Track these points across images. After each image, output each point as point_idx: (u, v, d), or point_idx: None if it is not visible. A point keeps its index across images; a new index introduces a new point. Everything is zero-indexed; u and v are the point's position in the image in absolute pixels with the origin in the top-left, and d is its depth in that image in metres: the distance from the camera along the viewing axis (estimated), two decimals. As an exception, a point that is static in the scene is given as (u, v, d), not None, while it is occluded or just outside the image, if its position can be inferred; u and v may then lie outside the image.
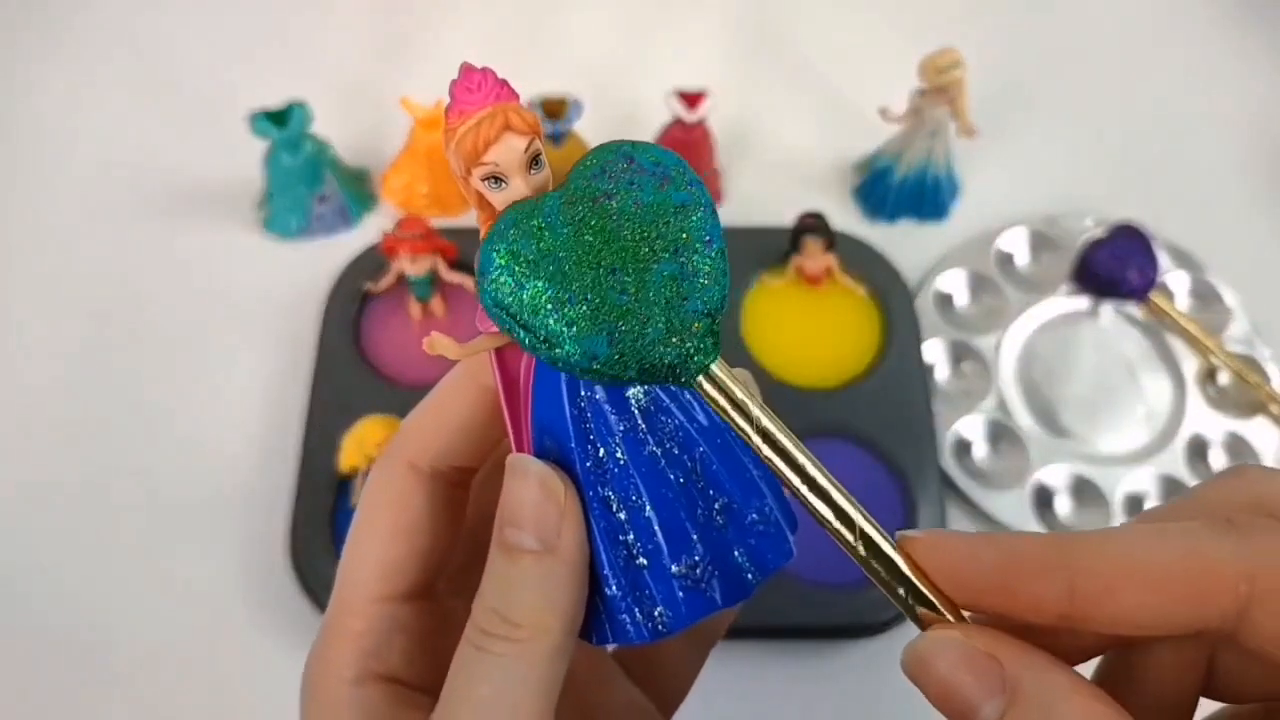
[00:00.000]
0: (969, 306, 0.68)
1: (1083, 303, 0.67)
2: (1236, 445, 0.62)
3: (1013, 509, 0.59)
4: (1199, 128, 0.78)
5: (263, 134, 0.63)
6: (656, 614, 0.26)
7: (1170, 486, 0.60)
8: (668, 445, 0.26)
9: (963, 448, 0.62)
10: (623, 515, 0.25)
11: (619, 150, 0.25)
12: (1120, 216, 0.67)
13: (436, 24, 0.81)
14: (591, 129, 0.68)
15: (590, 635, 0.26)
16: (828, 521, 0.25)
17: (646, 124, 0.69)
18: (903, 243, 0.68)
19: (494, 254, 0.24)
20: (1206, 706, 0.27)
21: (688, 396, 0.26)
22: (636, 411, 0.25)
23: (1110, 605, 0.22)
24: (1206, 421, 0.63)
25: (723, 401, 0.25)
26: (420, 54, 0.79)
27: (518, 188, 0.24)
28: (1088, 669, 0.26)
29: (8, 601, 0.55)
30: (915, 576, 0.24)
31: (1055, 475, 0.60)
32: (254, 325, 0.65)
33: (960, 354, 0.65)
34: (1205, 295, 0.68)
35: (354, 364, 0.61)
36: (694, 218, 0.25)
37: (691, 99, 0.66)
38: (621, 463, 0.25)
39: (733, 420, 0.25)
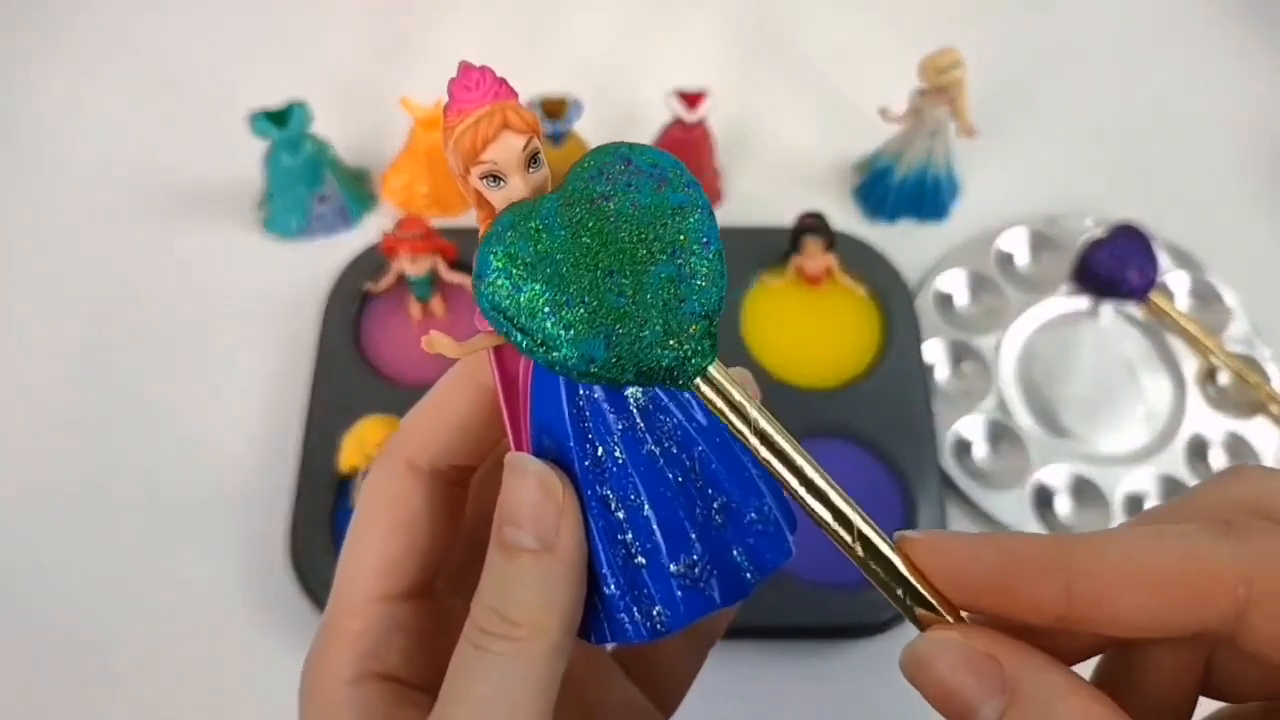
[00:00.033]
0: (969, 306, 0.68)
1: (1083, 303, 0.67)
2: (1236, 445, 0.62)
3: (1013, 509, 0.59)
4: (1199, 128, 0.78)
5: (263, 134, 0.63)
6: (655, 613, 0.26)
7: (1170, 486, 0.60)
8: (666, 444, 0.26)
9: (963, 448, 0.62)
10: (621, 514, 0.25)
11: (616, 152, 0.25)
12: (1120, 216, 0.67)
13: (436, 24, 0.81)
14: (591, 129, 0.68)
15: (589, 634, 0.26)
16: (826, 523, 0.25)
17: (646, 124, 0.69)
18: (903, 243, 0.68)
19: (491, 256, 0.24)
20: (1206, 706, 0.27)
21: (686, 395, 0.26)
22: (635, 410, 0.25)
23: (1108, 607, 0.22)
24: (1206, 421, 0.63)
25: (719, 403, 0.25)
26: (420, 54, 0.79)
27: (516, 186, 0.24)
28: (1086, 668, 0.26)
29: (8, 601, 0.55)
30: (913, 577, 0.24)
31: (1055, 475, 0.60)
32: (254, 325, 0.65)
33: (960, 354, 0.65)
34: (1205, 295, 0.68)
35: (354, 364, 0.61)
36: (691, 219, 0.25)
37: (691, 99, 0.66)
38: (620, 462, 0.25)
39: (730, 422, 0.25)
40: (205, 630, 0.55)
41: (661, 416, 0.26)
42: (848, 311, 0.65)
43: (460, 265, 0.63)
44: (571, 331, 0.24)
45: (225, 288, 0.67)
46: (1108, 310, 0.67)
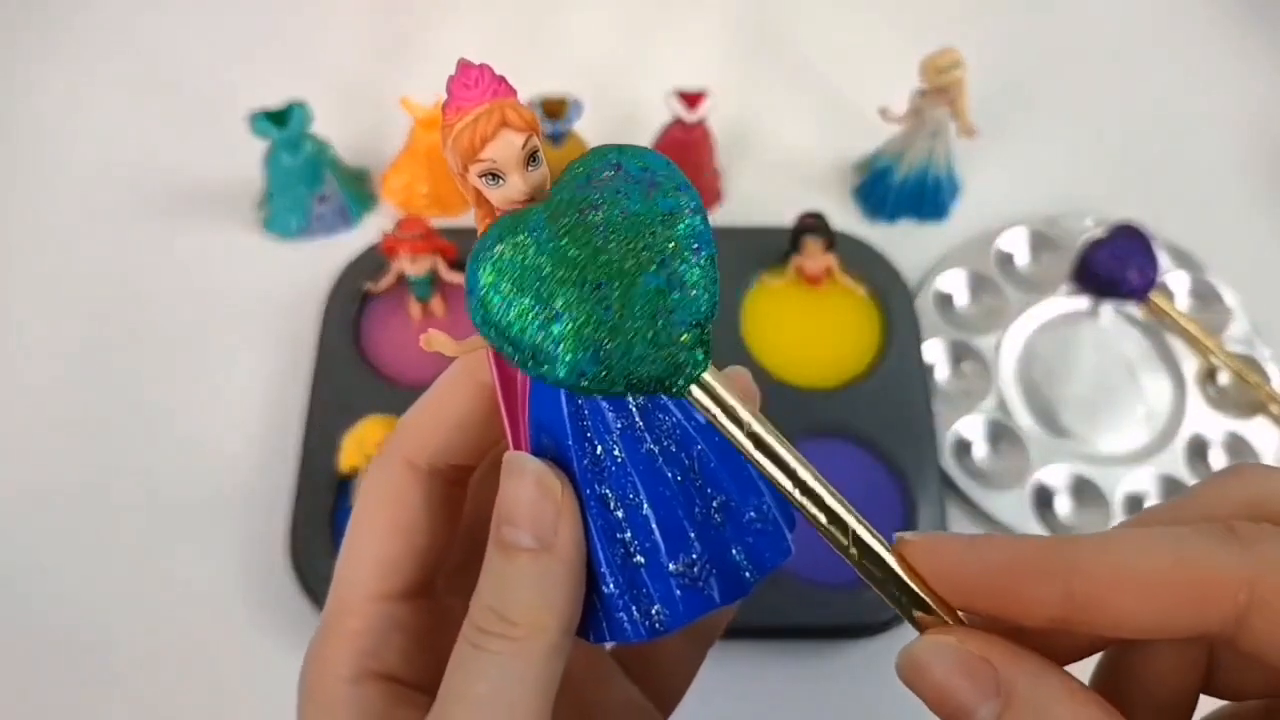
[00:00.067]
0: (969, 306, 0.68)
1: (1083, 303, 0.67)
2: (1236, 445, 0.62)
3: (1013, 509, 0.59)
4: (1199, 128, 0.78)
5: (263, 134, 0.63)
6: (654, 612, 0.26)
7: (1170, 486, 0.60)
8: (665, 443, 0.26)
9: (963, 448, 0.62)
10: (620, 513, 0.25)
11: (605, 157, 0.25)
12: (1120, 216, 0.67)
13: (436, 24, 0.81)
14: (591, 129, 0.68)
15: (588, 633, 0.26)
16: (821, 525, 0.25)
17: (646, 124, 0.69)
18: (903, 243, 0.68)
19: (479, 271, 0.24)
20: (1206, 705, 0.27)
21: (685, 395, 0.26)
22: (634, 409, 0.25)
23: (1107, 610, 0.22)
24: (1206, 421, 0.63)
25: (712, 407, 0.25)
26: (420, 54, 0.79)
27: (515, 184, 0.24)
28: (1088, 665, 0.26)
29: (8, 601, 0.55)
30: (910, 579, 0.24)
31: (1055, 475, 0.60)
32: (254, 325, 0.65)
33: (960, 354, 0.65)
34: (1205, 295, 0.68)
35: (354, 364, 0.61)
36: (681, 226, 0.24)
37: (691, 99, 0.66)
38: (619, 460, 0.25)
39: (723, 426, 0.25)
40: (205, 630, 0.55)
41: (660, 415, 0.26)
42: (848, 311, 0.65)
43: (460, 265, 0.63)
44: (560, 346, 0.24)
45: (225, 288, 0.67)
46: (1108, 310, 0.67)
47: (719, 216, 0.71)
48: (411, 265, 0.62)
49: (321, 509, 0.56)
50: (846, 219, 0.70)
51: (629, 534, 0.25)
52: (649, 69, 0.78)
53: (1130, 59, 0.82)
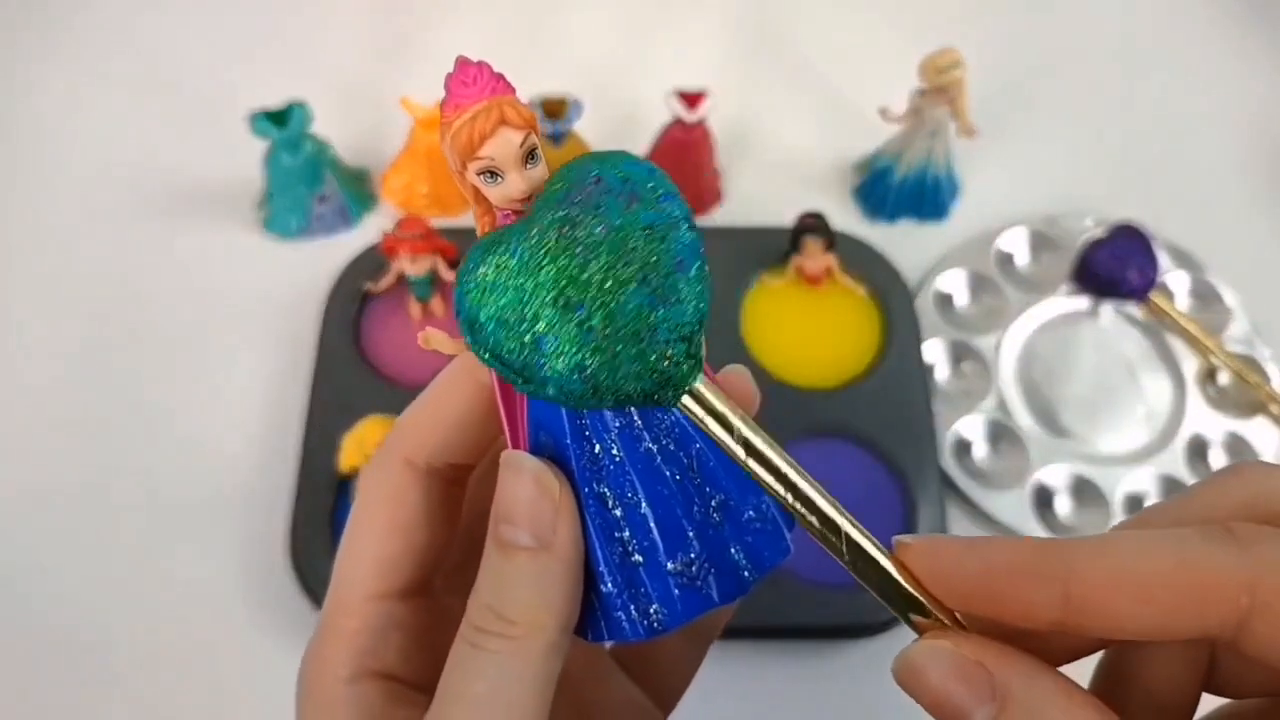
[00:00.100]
0: (969, 306, 0.68)
1: (1083, 303, 0.67)
2: (1236, 445, 0.62)
3: (1013, 509, 0.59)
4: (1199, 128, 0.78)
5: (263, 134, 0.63)
6: (652, 611, 0.25)
7: (1170, 486, 0.60)
8: (664, 442, 0.26)
9: (963, 448, 0.62)
10: (618, 512, 0.25)
11: (586, 169, 0.24)
12: (1120, 216, 0.67)
13: (436, 24, 0.81)
14: (591, 129, 0.69)
15: (586, 632, 0.26)
16: (816, 529, 0.25)
17: (646, 124, 0.69)
18: (903, 243, 0.68)
19: (464, 294, 0.24)
20: (1207, 703, 0.27)
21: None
22: (633, 408, 0.25)
23: (1106, 614, 0.22)
24: (1206, 421, 0.63)
25: (703, 415, 0.25)
26: (420, 54, 0.79)
27: (514, 182, 0.24)
28: (1088, 666, 0.26)
29: (8, 601, 0.55)
30: (906, 582, 0.24)
31: (1055, 475, 0.60)
32: (254, 325, 0.65)
33: (960, 354, 0.65)
34: (1205, 295, 0.68)
35: (354, 364, 0.61)
36: (664, 238, 0.24)
37: (691, 99, 0.66)
38: (617, 459, 0.25)
39: (714, 434, 0.25)
40: (205, 630, 0.55)
41: (659, 414, 0.26)
42: (848, 311, 0.65)
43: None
44: (547, 367, 0.24)
45: (225, 288, 0.67)
46: (1108, 310, 0.67)
47: (719, 216, 0.71)
48: (411, 265, 0.62)
49: (321, 509, 0.56)
50: (846, 219, 0.70)
51: (627, 533, 0.25)
52: (649, 69, 0.78)
53: (1130, 59, 0.82)
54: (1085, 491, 0.60)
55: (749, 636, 0.54)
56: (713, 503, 0.26)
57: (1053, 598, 0.22)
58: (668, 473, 0.26)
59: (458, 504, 0.30)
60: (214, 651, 0.54)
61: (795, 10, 0.83)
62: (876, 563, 0.24)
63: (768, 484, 0.25)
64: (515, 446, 0.26)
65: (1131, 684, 0.26)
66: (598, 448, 0.25)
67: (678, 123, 0.67)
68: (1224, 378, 0.64)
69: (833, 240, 0.64)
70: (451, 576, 0.30)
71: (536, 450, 0.26)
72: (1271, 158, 0.76)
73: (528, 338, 0.24)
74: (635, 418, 0.25)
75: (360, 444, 0.56)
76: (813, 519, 0.24)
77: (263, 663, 0.54)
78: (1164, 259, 0.68)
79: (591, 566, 0.25)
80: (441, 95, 0.24)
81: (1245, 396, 0.63)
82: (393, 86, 0.72)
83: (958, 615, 0.24)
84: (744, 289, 0.65)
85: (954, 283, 0.68)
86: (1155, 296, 0.66)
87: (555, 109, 0.66)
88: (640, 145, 0.70)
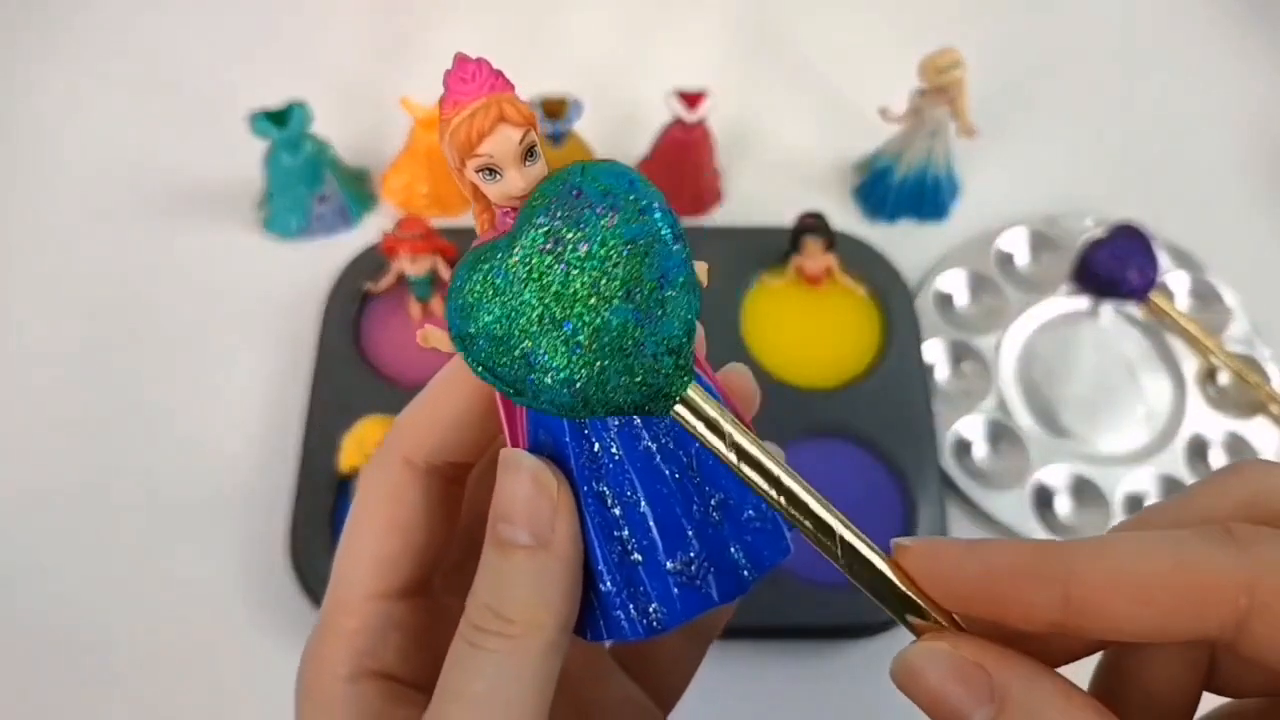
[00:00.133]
0: (969, 306, 0.68)
1: (1083, 303, 0.67)
2: (1236, 445, 0.62)
3: (1013, 509, 0.59)
4: (1199, 128, 0.78)
5: (263, 134, 0.63)
6: (651, 610, 0.25)
7: (1170, 486, 0.60)
8: (664, 440, 0.26)
9: (963, 448, 0.62)
10: (617, 511, 0.25)
11: (566, 182, 0.24)
12: (1120, 216, 0.67)
13: (436, 24, 0.81)
14: (591, 129, 0.68)
15: (585, 631, 0.26)
16: (810, 533, 0.24)
17: (646, 124, 0.69)
18: (903, 243, 0.68)
19: (453, 312, 0.24)
20: (1207, 703, 0.26)
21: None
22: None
23: (1105, 616, 0.22)
24: (1206, 421, 0.63)
25: (695, 423, 0.25)
26: (420, 54, 0.79)
27: (512, 180, 0.24)
28: (1087, 666, 0.26)
29: (8, 601, 0.55)
30: (903, 584, 0.24)
31: (1055, 475, 0.60)
32: (254, 325, 0.65)
33: (960, 354, 0.65)
34: (1205, 295, 0.68)
35: (354, 364, 0.61)
36: (648, 253, 0.24)
37: (691, 99, 0.66)
38: (617, 458, 0.25)
39: (707, 440, 0.25)
40: (205, 630, 0.55)
41: (657, 414, 0.26)
42: (848, 311, 0.65)
43: (460, 265, 0.63)
44: (536, 380, 0.24)
45: (225, 288, 0.67)
46: (1108, 310, 0.67)
47: (719, 216, 0.71)
48: (411, 265, 0.62)
49: (321, 509, 0.56)
50: (846, 219, 0.70)
51: (626, 532, 0.25)
52: (649, 69, 0.78)
53: (1130, 59, 0.82)
54: (1085, 491, 0.60)
55: (749, 636, 0.54)
56: (712, 501, 0.26)
57: (1052, 599, 0.22)
58: (667, 471, 0.26)
59: (457, 503, 0.30)
60: (214, 651, 0.54)
61: (795, 10, 0.83)
62: (872, 566, 0.24)
63: (762, 489, 0.25)
64: (514, 445, 0.26)
65: (1131, 685, 0.26)
66: (596, 446, 0.25)
67: (678, 123, 0.67)
68: (1224, 378, 0.64)
69: (833, 240, 0.64)
70: (451, 575, 0.30)
71: (535, 448, 0.26)
72: (1271, 158, 0.76)
73: (517, 353, 0.24)
74: (635, 416, 0.25)
75: (360, 444, 0.56)
76: (808, 523, 0.24)
77: (263, 663, 0.53)
78: (1164, 259, 0.68)
79: (590, 565, 0.25)
80: (441, 93, 0.24)
81: (1245, 396, 0.63)
82: (393, 86, 0.72)
83: (955, 617, 0.24)
84: (744, 289, 0.65)
85: (954, 283, 0.68)
86: (1155, 296, 0.66)
87: (555, 109, 0.66)
88: (640, 145, 0.70)
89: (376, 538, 0.28)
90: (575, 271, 0.24)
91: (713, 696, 0.50)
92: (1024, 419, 0.62)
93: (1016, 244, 0.70)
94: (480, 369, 0.24)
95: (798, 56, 0.80)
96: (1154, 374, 0.65)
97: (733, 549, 0.27)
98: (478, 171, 0.24)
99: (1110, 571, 0.22)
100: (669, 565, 0.26)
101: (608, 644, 0.30)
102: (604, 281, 0.24)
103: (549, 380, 0.24)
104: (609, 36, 0.81)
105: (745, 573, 0.27)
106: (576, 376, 0.24)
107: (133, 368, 0.63)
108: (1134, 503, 0.60)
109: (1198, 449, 0.62)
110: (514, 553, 0.24)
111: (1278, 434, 0.62)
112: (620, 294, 0.24)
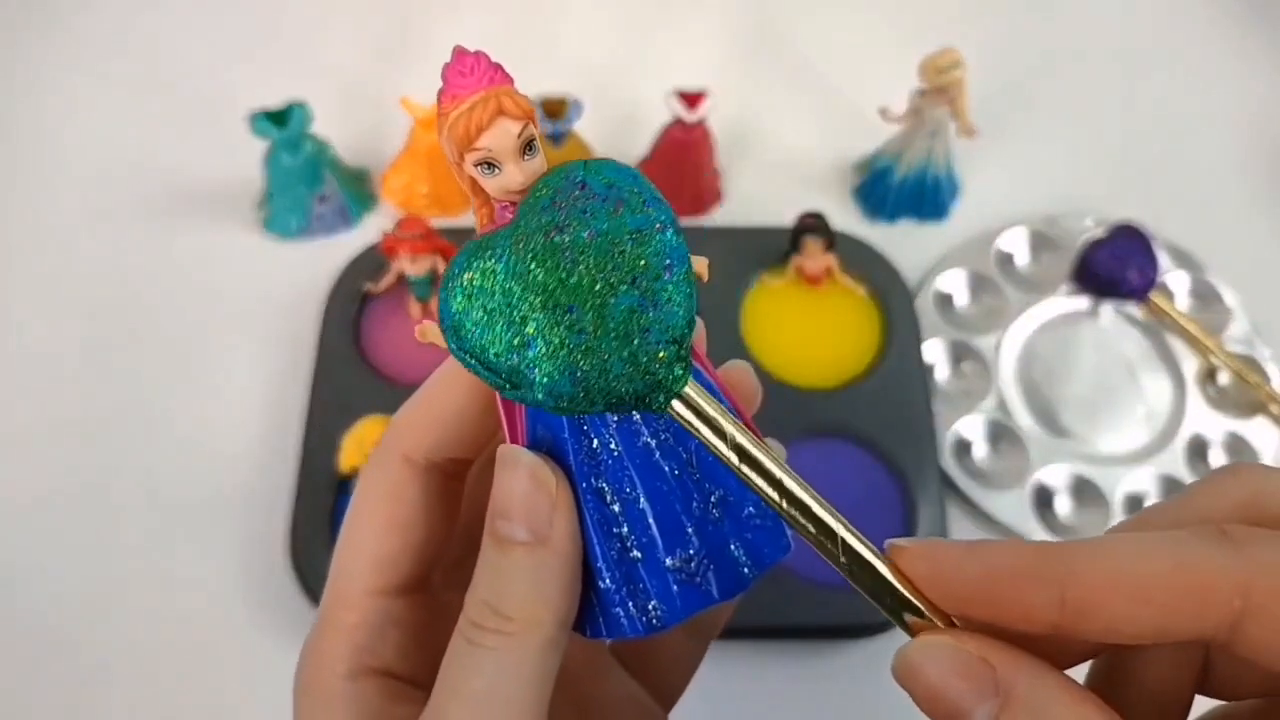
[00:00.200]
0: (969, 306, 0.68)
1: (1083, 303, 0.67)
2: (1236, 445, 0.62)
3: (1013, 509, 0.59)
4: (1199, 128, 0.78)
5: (263, 134, 0.63)
6: (651, 608, 0.25)
7: (1170, 486, 0.60)
8: (663, 436, 0.26)
9: (963, 448, 0.61)
10: (616, 507, 0.25)
11: (570, 176, 0.24)
12: (1120, 216, 0.67)
13: (436, 24, 0.81)
14: (591, 129, 0.69)
15: (584, 628, 0.26)
16: (810, 534, 0.24)
17: (646, 124, 0.69)
18: (903, 243, 0.68)
19: (450, 299, 0.24)
20: (1201, 704, 0.26)
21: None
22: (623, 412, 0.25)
23: (1101, 617, 0.21)
24: (1206, 421, 0.63)
25: (694, 421, 0.25)
26: (420, 54, 0.79)
27: (511, 174, 0.24)
28: (1084, 666, 0.26)
29: (8, 601, 0.55)
30: (902, 585, 0.24)
31: (1055, 475, 0.60)
32: (254, 325, 0.65)
33: (960, 354, 0.65)
34: (1205, 295, 0.68)
35: (354, 364, 0.61)
36: (652, 243, 0.24)
37: (691, 99, 0.66)
38: (616, 454, 0.25)
39: (706, 439, 0.25)
40: (205, 630, 0.55)
41: (656, 410, 0.25)
42: (848, 311, 0.65)
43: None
44: (535, 370, 0.24)
45: (225, 288, 0.67)
46: (1108, 310, 0.67)
47: (719, 216, 0.71)
48: (411, 265, 0.62)
49: (321, 509, 0.56)
50: (846, 219, 0.70)
51: (626, 528, 0.25)
52: (649, 69, 0.78)
53: (1130, 59, 0.82)
54: (1085, 491, 0.60)
55: (749, 636, 0.54)
56: (712, 498, 0.26)
57: (1051, 600, 0.22)
58: (666, 468, 0.26)
59: (456, 499, 0.30)
60: (214, 651, 0.54)
61: (795, 10, 0.83)
62: (873, 567, 0.24)
63: (762, 489, 0.25)
64: (513, 441, 0.26)
65: (1126, 686, 0.26)
66: (596, 442, 0.25)
67: (678, 123, 0.67)
68: (1224, 378, 0.64)
69: (833, 240, 0.64)
70: (450, 572, 0.30)
71: (534, 445, 0.26)
72: (1271, 158, 0.76)
73: (516, 341, 0.24)
74: (634, 413, 0.25)
75: (360, 444, 0.56)
76: (808, 524, 0.24)
77: (263, 663, 0.53)
78: (1164, 259, 0.68)
79: (590, 562, 0.25)
80: (439, 88, 0.24)
81: (1245, 396, 0.63)
82: (393, 86, 0.72)
83: (953, 619, 0.24)
84: (744, 289, 0.65)
85: (954, 283, 0.68)
86: (1155, 296, 0.66)
87: (555, 109, 0.66)
88: (640, 145, 0.70)
89: (376, 535, 0.28)
90: (580, 259, 0.24)
91: (713, 696, 0.50)
92: (1024, 419, 0.62)
93: (1016, 244, 0.70)
94: (472, 360, 0.24)
95: (798, 56, 0.80)
96: (1154, 374, 0.65)
97: (733, 546, 0.26)
98: (476, 165, 0.24)
99: (1109, 572, 0.22)
100: (668, 562, 0.26)
101: (607, 641, 0.30)
102: (610, 268, 0.24)
103: (549, 367, 0.24)
104: (609, 36, 0.81)
105: (745, 570, 0.27)
106: (580, 362, 0.24)
107: (133, 368, 0.63)
108: (1134, 503, 0.60)
109: (1198, 449, 0.62)
110: (512, 549, 0.24)
111: (1278, 434, 0.62)
112: (627, 280, 0.24)
